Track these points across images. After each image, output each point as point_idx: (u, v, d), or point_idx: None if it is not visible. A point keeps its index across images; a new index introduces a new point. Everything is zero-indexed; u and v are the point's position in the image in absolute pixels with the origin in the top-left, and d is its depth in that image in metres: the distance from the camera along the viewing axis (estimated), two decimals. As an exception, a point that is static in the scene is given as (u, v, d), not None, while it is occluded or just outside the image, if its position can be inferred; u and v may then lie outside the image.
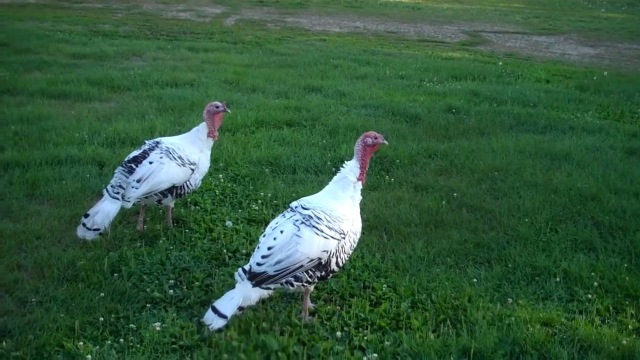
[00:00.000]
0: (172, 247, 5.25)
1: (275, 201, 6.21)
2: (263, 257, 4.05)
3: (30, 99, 9.44)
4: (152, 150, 5.37)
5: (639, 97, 11.45)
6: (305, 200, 4.32)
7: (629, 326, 4.43)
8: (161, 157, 5.31)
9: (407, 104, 9.99)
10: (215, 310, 3.98)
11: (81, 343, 3.97)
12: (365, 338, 4.18)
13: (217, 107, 5.58)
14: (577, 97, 11.25)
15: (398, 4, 28.44)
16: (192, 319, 4.33)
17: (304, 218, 4.15)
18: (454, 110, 9.79)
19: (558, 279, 5.01)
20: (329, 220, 4.17)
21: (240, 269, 4.10)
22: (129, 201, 5.21)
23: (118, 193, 5.21)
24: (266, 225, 4.39)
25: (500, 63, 14.46)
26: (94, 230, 5.11)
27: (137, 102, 9.62)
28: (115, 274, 4.79)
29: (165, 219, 5.71)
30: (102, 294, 4.51)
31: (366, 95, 10.59)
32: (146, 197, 5.38)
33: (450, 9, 27.79)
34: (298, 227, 4.13)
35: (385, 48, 16.37)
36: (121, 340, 4.06)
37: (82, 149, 7.26)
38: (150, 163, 5.27)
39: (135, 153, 5.41)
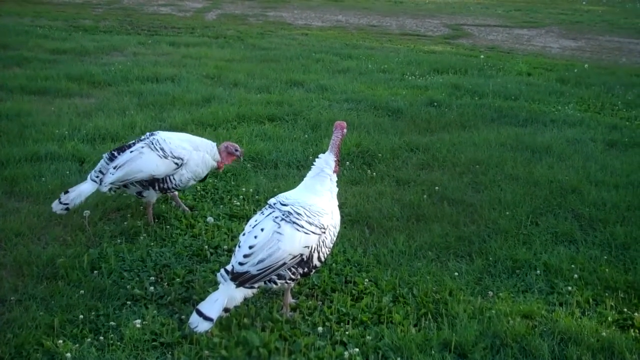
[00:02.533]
0: (152, 244, 5.22)
1: (257, 196, 6.19)
2: (245, 256, 4.00)
3: (9, 95, 9.34)
4: (140, 141, 5.47)
5: (619, 90, 11.54)
6: (283, 196, 4.30)
7: (609, 318, 4.46)
8: (142, 147, 5.37)
9: (389, 98, 10.00)
10: (199, 314, 3.89)
11: (61, 341, 3.94)
12: (347, 333, 4.17)
13: (237, 150, 5.76)
14: (558, 90, 11.31)
15: (380, -3, 28.46)
16: (173, 316, 4.30)
17: (283, 214, 4.12)
18: (435, 104, 9.80)
19: (538, 271, 5.03)
20: (308, 215, 4.15)
21: (222, 270, 4.04)
22: (105, 186, 5.28)
23: (98, 177, 5.31)
24: (248, 221, 4.35)
25: (482, 56, 14.51)
26: (64, 204, 5.20)
27: (118, 97, 9.55)
28: (95, 272, 4.75)
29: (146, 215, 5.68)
30: (82, 292, 4.47)
31: (348, 89, 10.58)
32: (125, 187, 5.41)
33: (432, 3, 27.85)
34: (278, 224, 4.09)
35: (367, 42, 16.37)
36: (101, 338, 4.02)
37: (62, 146, 7.19)
38: (131, 152, 5.35)
39: (128, 144, 5.56)
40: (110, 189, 5.37)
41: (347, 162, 7.15)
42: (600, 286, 4.87)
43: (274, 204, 4.23)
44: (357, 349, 3.99)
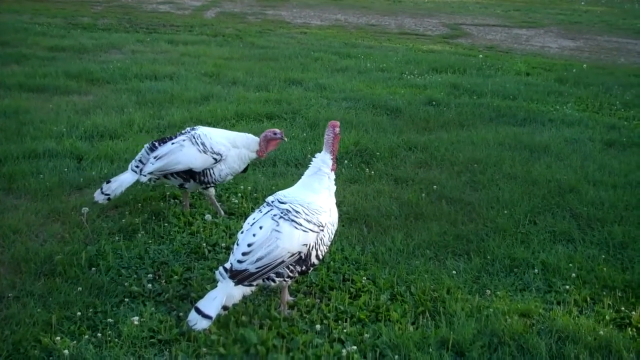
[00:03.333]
0: (150, 241, 5.21)
1: (255, 194, 6.19)
2: (244, 254, 4.00)
3: (7, 93, 9.33)
4: (182, 134, 5.64)
5: (618, 90, 11.54)
6: (281, 195, 4.30)
7: (606, 317, 4.46)
8: (184, 140, 5.53)
9: (388, 97, 10.00)
10: (198, 311, 3.89)
11: (58, 338, 3.93)
12: (345, 330, 4.18)
13: (275, 133, 5.76)
14: (557, 90, 11.31)
15: (379, -4, 28.44)
16: (171, 313, 4.30)
17: (282, 212, 4.12)
18: (434, 103, 9.81)
19: (536, 270, 5.04)
20: (306, 213, 4.15)
21: (221, 268, 4.04)
22: (144, 175, 5.46)
23: (138, 167, 5.52)
24: (246, 219, 4.35)
25: (481, 56, 14.50)
26: (105, 195, 5.41)
27: (116, 95, 9.55)
28: (93, 269, 4.75)
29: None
30: (80, 289, 4.47)
31: (347, 88, 10.58)
32: (166, 178, 5.56)
33: (431, 2, 27.85)
34: (277, 221, 4.09)
35: (366, 41, 16.37)
36: (99, 334, 4.02)
37: (60, 143, 7.19)
38: (172, 144, 5.52)
39: (169, 136, 5.77)
40: (149, 179, 5.55)
41: (346, 161, 7.15)
42: (598, 285, 4.87)
43: (272, 202, 4.23)
44: (354, 347, 3.99)
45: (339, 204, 5.93)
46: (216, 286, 4.03)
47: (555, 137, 8.39)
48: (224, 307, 3.97)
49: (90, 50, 12.87)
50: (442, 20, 21.88)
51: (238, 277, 3.98)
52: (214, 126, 8.05)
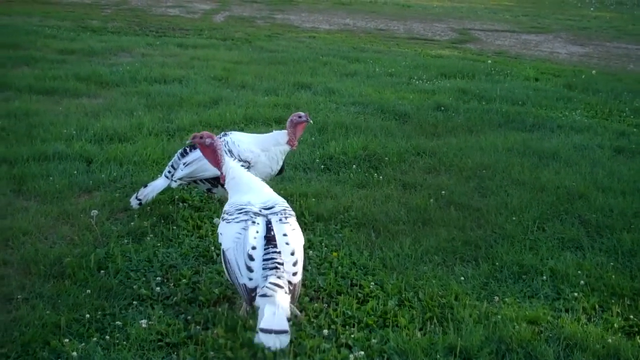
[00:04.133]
0: (159, 244, 5.22)
1: (263, 198, 6.18)
2: (294, 264, 4.04)
3: (17, 95, 9.36)
4: None
5: (627, 96, 11.51)
6: (258, 202, 4.33)
7: (615, 324, 4.45)
8: None
9: (396, 102, 10.00)
10: (268, 332, 3.66)
11: (67, 340, 3.95)
12: (352, 336, 4.17)
13: (300, 117, 5.73)
14: (566, 96, 11.29)
15: (388, 1, 28.42)
16: (179, 316, 4.31)
17: (282, 214, 4.25)
18: (442, 108, 9.80)
19: (545, 277, 5.02)
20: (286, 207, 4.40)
21: (271, 285, 3.83)
22: (174, 181, 5.58)
23: (170, 172, 5.64)
24: (244, 233, 4.23)
25: (489, 61, 14.48)
26: (138, 200, 5.60)
27: (126, 98, 9.57)
28: (102, 271, 4.76)
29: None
30: (89, 291, 4.48)
31: (355, 92, 10.58)
32: (196, 182, 5.66)
33: (440, 7, 27.82)
34: (288, 222, 4.23)
35: (374, 45, 16.36)
36: (107, 337, 4.03)
37: (69, 145, 7.22)
38: None
39: None
40: (179, 185, 5.67)
41: (354, 166, 7.15)
42: (607, 293, 4.86)
43: (260, 211, 4.25)
44: (362, 352, 3.99)
45: (347, 209, 5.97)
46: (261, 303, 3.83)
47: (564, 144, 8.37)
48: (288, 319, 3.85)
49: (100, 53, 12.91)
50: (450, 25, 21.88)
51: (295, 289, 4.00)
52: (222, 130, 8.09)
